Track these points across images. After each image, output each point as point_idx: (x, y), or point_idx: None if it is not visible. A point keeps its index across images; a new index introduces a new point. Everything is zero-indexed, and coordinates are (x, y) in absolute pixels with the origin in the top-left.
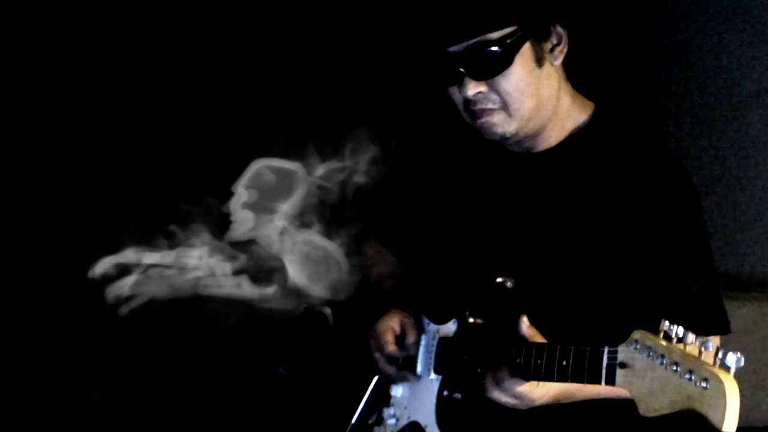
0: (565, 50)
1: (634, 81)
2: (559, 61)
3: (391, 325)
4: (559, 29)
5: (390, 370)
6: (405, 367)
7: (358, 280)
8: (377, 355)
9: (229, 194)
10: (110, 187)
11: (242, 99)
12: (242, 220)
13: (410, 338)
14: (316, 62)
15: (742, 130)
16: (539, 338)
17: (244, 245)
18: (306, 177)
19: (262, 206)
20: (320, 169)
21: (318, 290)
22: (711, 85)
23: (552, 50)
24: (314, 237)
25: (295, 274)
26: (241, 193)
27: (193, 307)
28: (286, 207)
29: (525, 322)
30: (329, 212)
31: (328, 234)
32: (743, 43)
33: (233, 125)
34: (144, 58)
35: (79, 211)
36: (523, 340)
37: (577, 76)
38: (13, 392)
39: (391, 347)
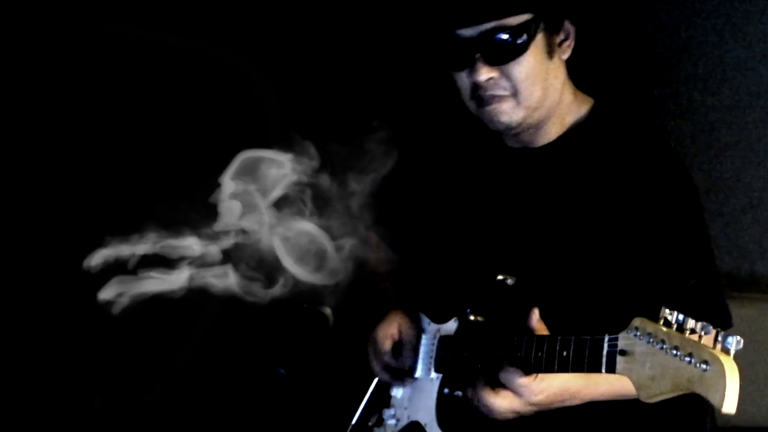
0: (572, 46)
1: (634, 81)
2: (566, 56)
3: (390, 332)
4: (569, 25)
5: (385, 376)
6: (399, 374)
7: (346, 265)
8: (374, 362)
9: (219, 185)
10: (108, 185)
11: (240, 94)
12: (230, 210)
13: (408, 346)
14: (315, 56)
15: (741, 130)
16: (546, 333)
17: (233, 234)
18: (293, 166)
19: (249, 195)
20: (310, 159)
21: (307, 276)
22: (711, 85)
23: (561, 44)
24: (301, 223)
25: (284, 260)
26: (229, 183)
27: (193, 307)
28: (273, 196)
29: (536, 315)
30: (318, 200)
31: (317, 221)
32: (743, 43)
33: (231, 121)
34: (142, 56)
35: (77, 209)
36: (524, 333)
37: (578, 74)
38: (14, 392)
39: (388, 357)
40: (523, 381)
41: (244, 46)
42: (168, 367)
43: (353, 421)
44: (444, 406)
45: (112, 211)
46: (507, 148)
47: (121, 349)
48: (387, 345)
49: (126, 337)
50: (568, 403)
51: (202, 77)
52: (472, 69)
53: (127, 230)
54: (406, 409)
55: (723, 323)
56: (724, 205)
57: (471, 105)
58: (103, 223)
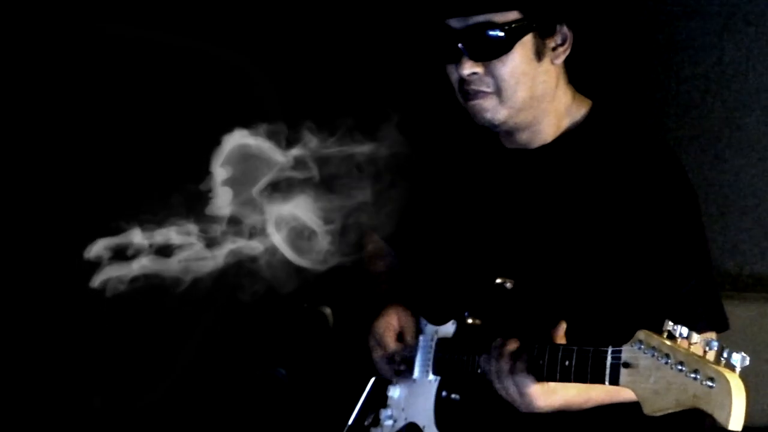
0: (568, 51)
1: (633, 81)
2: (559, 60)
3: (392, 323)
4: (565, 30)
5: (387, 369)
6: (400, 368)
7: (338, 253)
8: (376, 354)
9: (210, 174)
10: (106, 180)
11: (240, 94)
12: (222, 196)
13: (409, 337)
14: (314, 54)
15: (741, 130)
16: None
17: (227, 221)
18: (281, 155)
19: (239, 182)
20: (301, 149)
21: (297, 260)
22: (711, 85)
23: (555, 49)
24: (290, 208)
25: (278, 243)
26: (219, 171)
27: (194, 307)
28: (264, 182)
29: (562, 329)
30: (308, 189)
31: (310, 207)
32: (743, 43)
33: (231, 120)
34: (142, 56)
35: (76, 206)
36: (525, 339)
37: (577, 75)
38: (14, 392)
39: (392, 347)
40: (532, 389)
41: (244, 46)
42: (168, 366)
43: (350, 421)
44: (442, 409)
45: (110, 205)
46: (504, 149)
47: (122, 348)
48: (389, 336)
49: (126, 336)
50: (567, 410)
51: (202, 77)
52: (458, 63)
53: (125, 221)
54: (403, 410)
55: (720, 327)
56: (724, 206)
57: (459, 98)
58: (101, 217)
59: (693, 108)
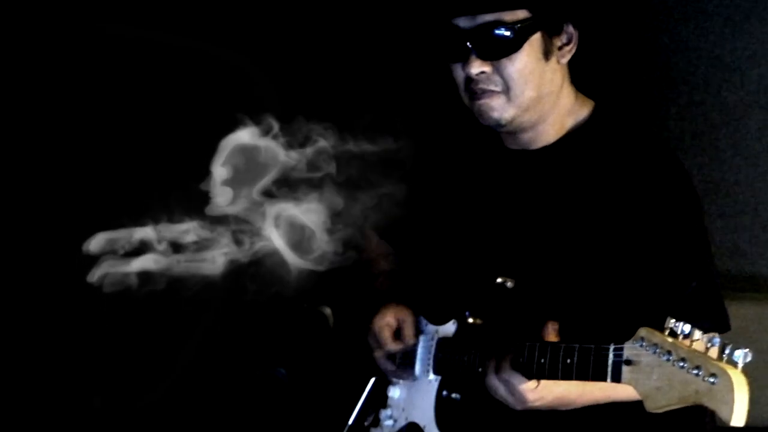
0: (574, 50)
1: (634, 81)
2: (565, 60)
3: (388, 321)
4: (571, 29)
5: (388, 367)
6: (402, 365)
7: (338, 252)
8: (376, 352)
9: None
10: (107, 178)
11: (240, 94)
12: (222, 196)
13: (407, 333)
14: (314, 54)
15: (741, 130)
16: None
17: (227, 220)
18: (282, 155)
19: (239, 182)
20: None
21: (297, 260)
22: (711, 85)
23: (561, 48)
24: (290, 208)
25: (277, 243)
26: (219, 171)
27: (194, 307)
28: (264, 182)
29: (551, 329)
30: (309, 189)
31: (310, 210)
32: (743, 43)
33: (231, 120)
34: (142, 56)
35: (77, 205)
36: (525, 338)
37: (578, 75)
38: (14, 392)
39: (390, 344)
40: (523, 388)
41: (244, 46)
42: (168, 366)
43: (350, 421)
44: (443, 408)
45: (111, 202)
46: (506, 150)
47: (122, 348)
48: (386, 334)
49: (126, 336)
50: (563, 409)
51: (202, 77)
52: (465, 62)
53: (126, 219)
54: (403, 410)
55: (722, 327)
56: (724, 206)
57: (465, 98)
58: (102, 215)
59: (693, 108)
